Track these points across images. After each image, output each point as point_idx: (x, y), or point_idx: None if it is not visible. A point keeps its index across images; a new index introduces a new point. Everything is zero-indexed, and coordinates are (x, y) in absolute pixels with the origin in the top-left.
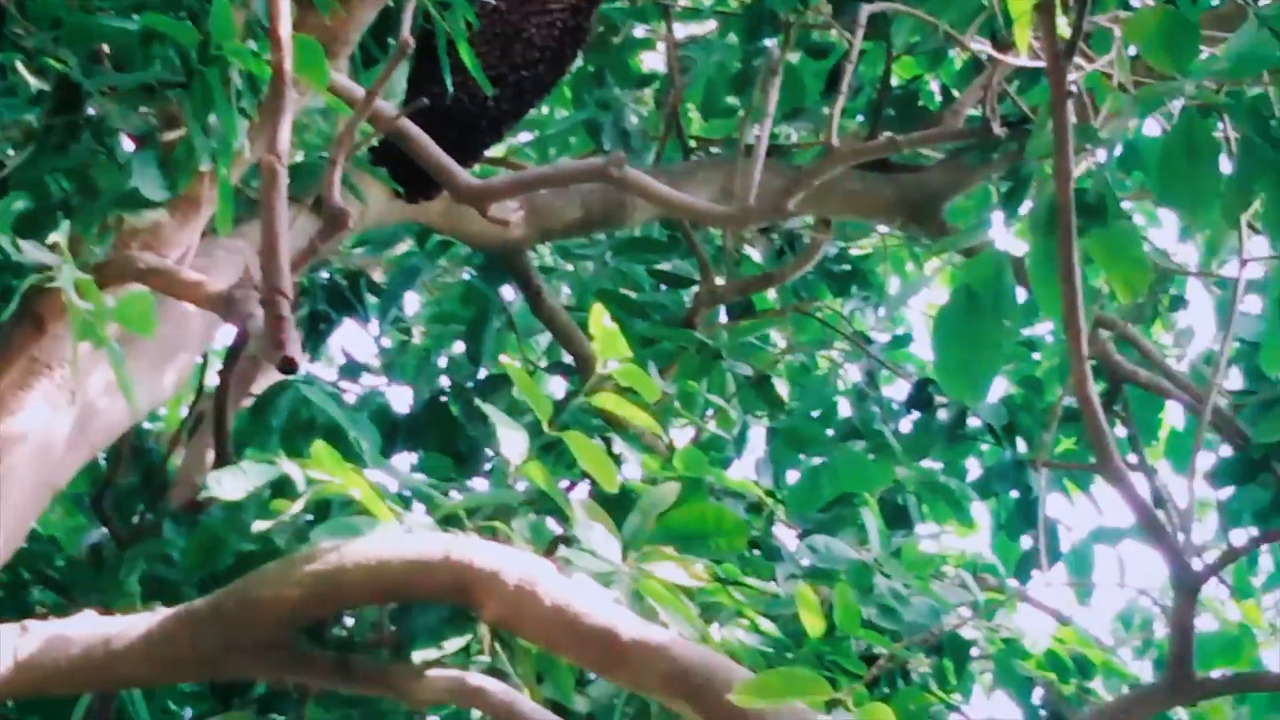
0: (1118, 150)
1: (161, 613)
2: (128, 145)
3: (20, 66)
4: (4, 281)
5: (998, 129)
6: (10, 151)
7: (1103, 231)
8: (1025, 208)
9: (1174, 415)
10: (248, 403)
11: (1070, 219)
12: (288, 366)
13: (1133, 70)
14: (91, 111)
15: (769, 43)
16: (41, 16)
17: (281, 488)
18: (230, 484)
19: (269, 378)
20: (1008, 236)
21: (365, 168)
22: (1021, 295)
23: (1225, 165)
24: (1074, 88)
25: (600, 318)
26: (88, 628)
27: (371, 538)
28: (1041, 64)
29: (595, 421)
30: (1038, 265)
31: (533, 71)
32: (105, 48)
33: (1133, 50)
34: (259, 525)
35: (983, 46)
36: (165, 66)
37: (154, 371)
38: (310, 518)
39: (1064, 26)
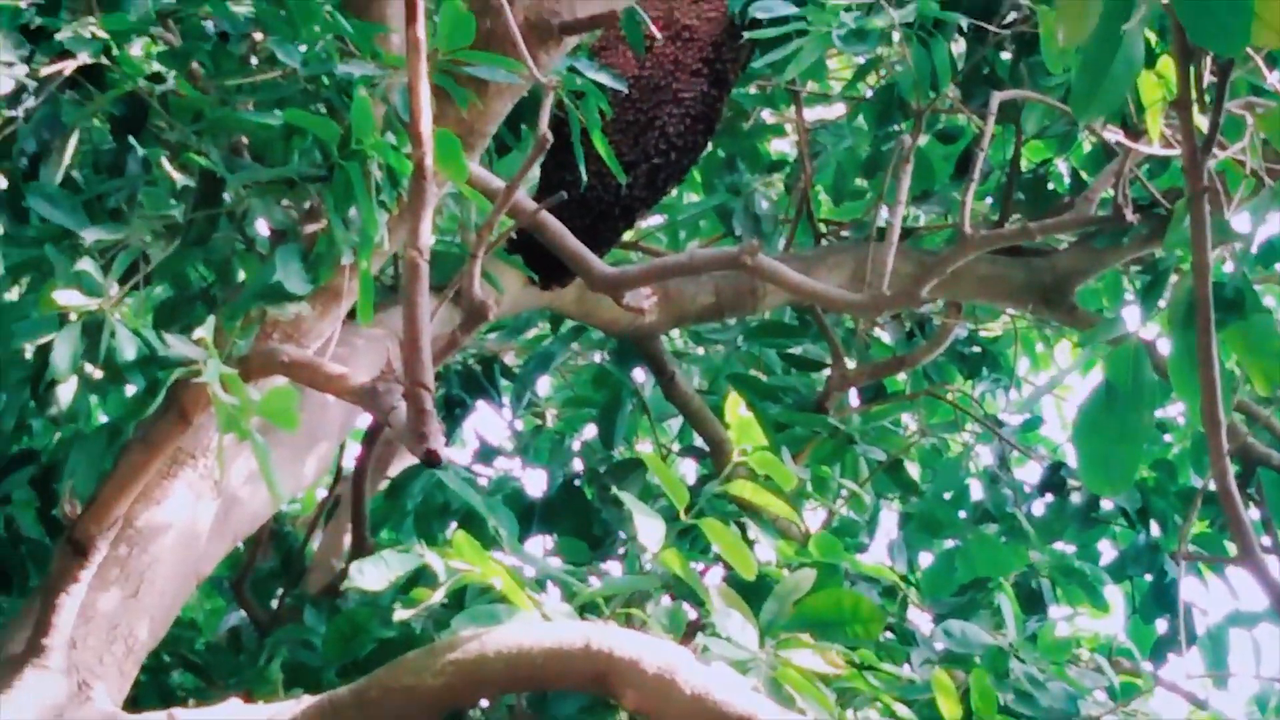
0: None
1: (305, 700)
2: (263, 229)
3: (164, 161)
4: (150, 374)
5: (1130, 215)
6: (149, 239)
7: (1241, 325)
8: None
9: None
10: (383, 485)
11: (1209, 314)
12: (431, 460)
13: (1264, 156)
14: (230, 199)
15: (899, 127)
16: (183, 111)
17: (420, 573)
18: (372, 574)
19: (404, 461)
20: (1145, 326)
21: (501, 256)
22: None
23: None
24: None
25: (736, 406)
26: (233, 716)
27: (512, 626)
28: (1173, 152)
29: (730, 507)
30: (1177, 359)
31: (665, 159)
32: (245, 140)
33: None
34: (401, 614)
35: (1114, 134)
36: (305, 160)
37: (295, 460)
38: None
39: (1199, 119)
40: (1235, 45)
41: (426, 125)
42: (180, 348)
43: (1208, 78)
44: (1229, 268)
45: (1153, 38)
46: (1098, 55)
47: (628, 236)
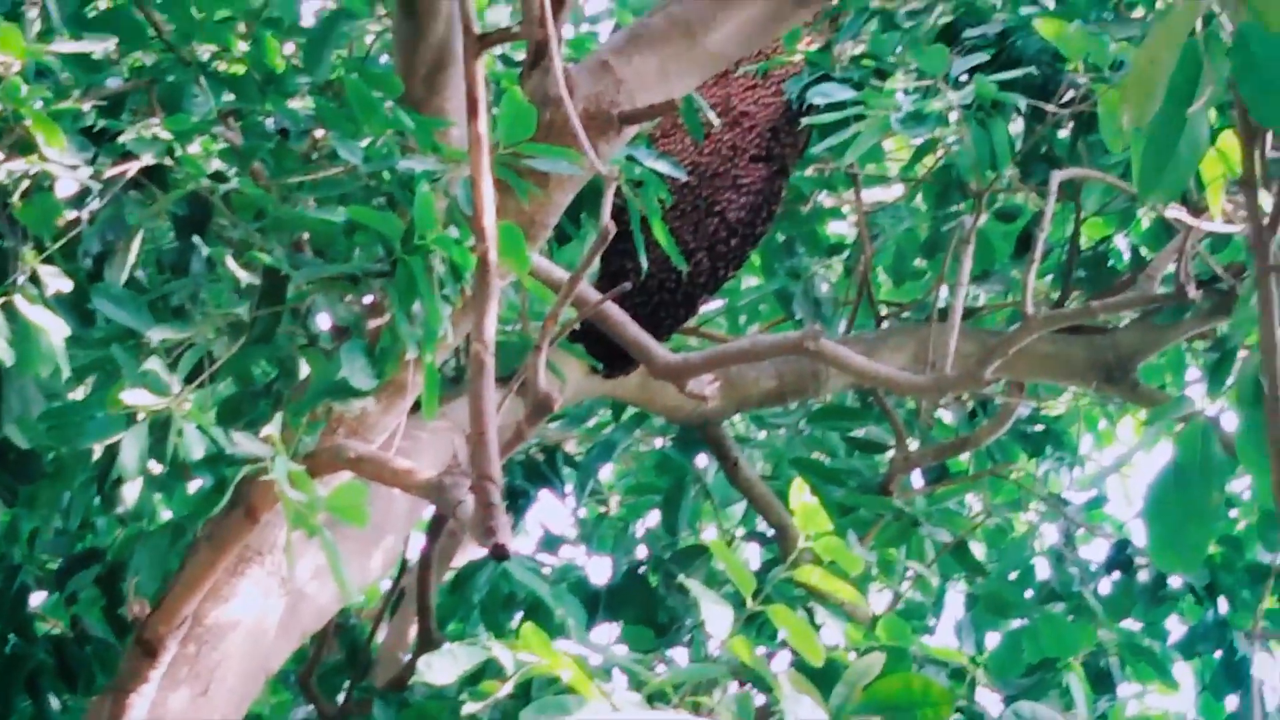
0: None
1: None
2: (327, 324)
3: (228, 259)
4: (217, 472)
5: (1192, 292)
6: (213, 337)
7: None
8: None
9: None
10: (448, 576)
11: (1278, 390)
12: (500, 554)
13: None
14: (293, 295)
15: (958, 207)
16: (246, 208)
17: (487, 665)
18: (441, 668)
19: (469, 552)
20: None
21: (564, 346)
22: None
23: None
24: (1276, 261)
25: (800, 491)
26: None
27: (581, 717)
28: (1235, 228)
29: (797, 592)
30: (1245, 437)
31: (726, 245)
32: (307, 236)
33: None
34: (469, 707)
35: (1176, 211)
36: (368, 255)
37: (362, 554)
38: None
39: (1264, 196)
40: None
41: (490, 219)
42: (247, 445)
43: (1271, 152)
44: None
45: (1213, 114)
46: (1163, 137)
47: (689, 321)
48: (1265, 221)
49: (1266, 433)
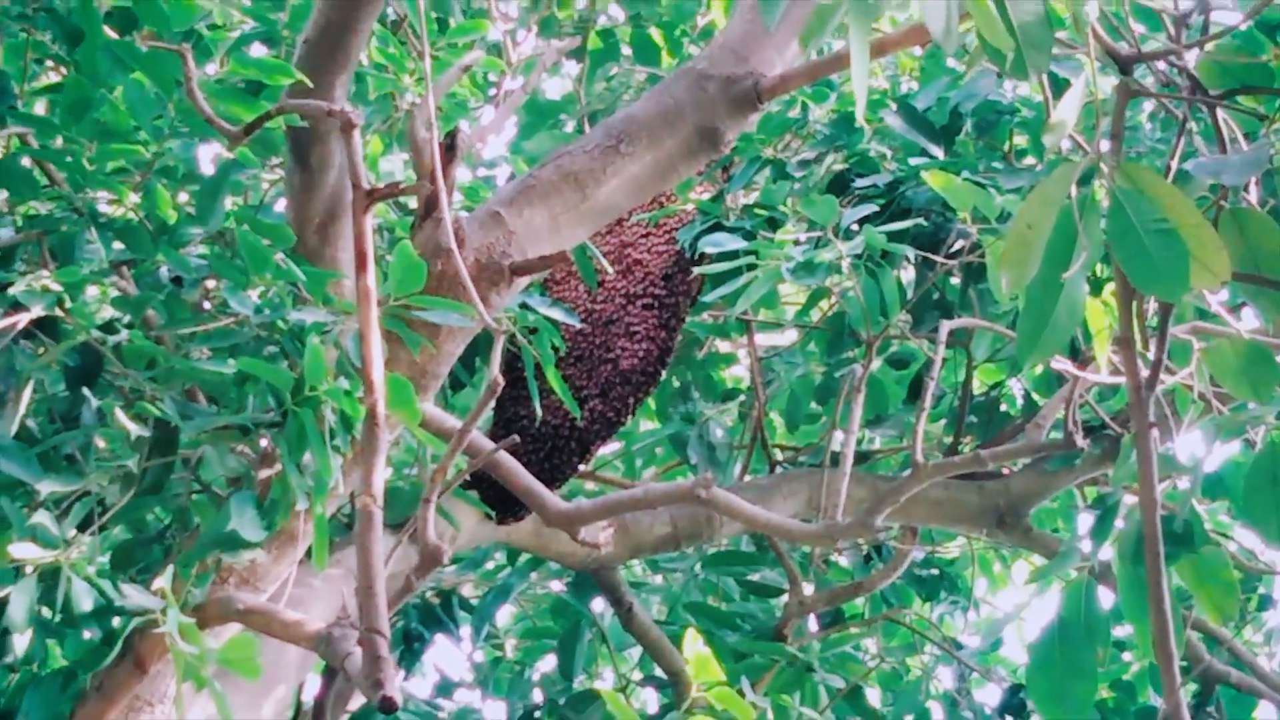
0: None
1: None
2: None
3: (119, 412)
4: (105, 624)
5: (1080, 441)
6: (105, 486)
7: (1191, 558)
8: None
9: (1266, 714)
10: None
11: (1159, 548)
12: (388, 706)
13: (1211, 380)
14: (184, 444)
15: (851, 354)
16: (137, 359)
17: None
18: None
19: (364, 697)
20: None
21: (457, 493)
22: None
23: None
24: (1154, 415)
25: (694, 642)
26: None
27: None
28: (1121, 380)
29: None
30: (1128, 592)
31: (620, 391)
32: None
33: None
34: None
35: (1063, 364)
36: (260, 405)
37: (253, 705)
38: None
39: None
40: (1176, 290)
41: (378, 372)
42: (137, 598)
43: (1152, 312)
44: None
45: (1099, 266)
46: (1041, 302)
47: (583, 466)
48: (1144, 380)
49: (1148, 590)
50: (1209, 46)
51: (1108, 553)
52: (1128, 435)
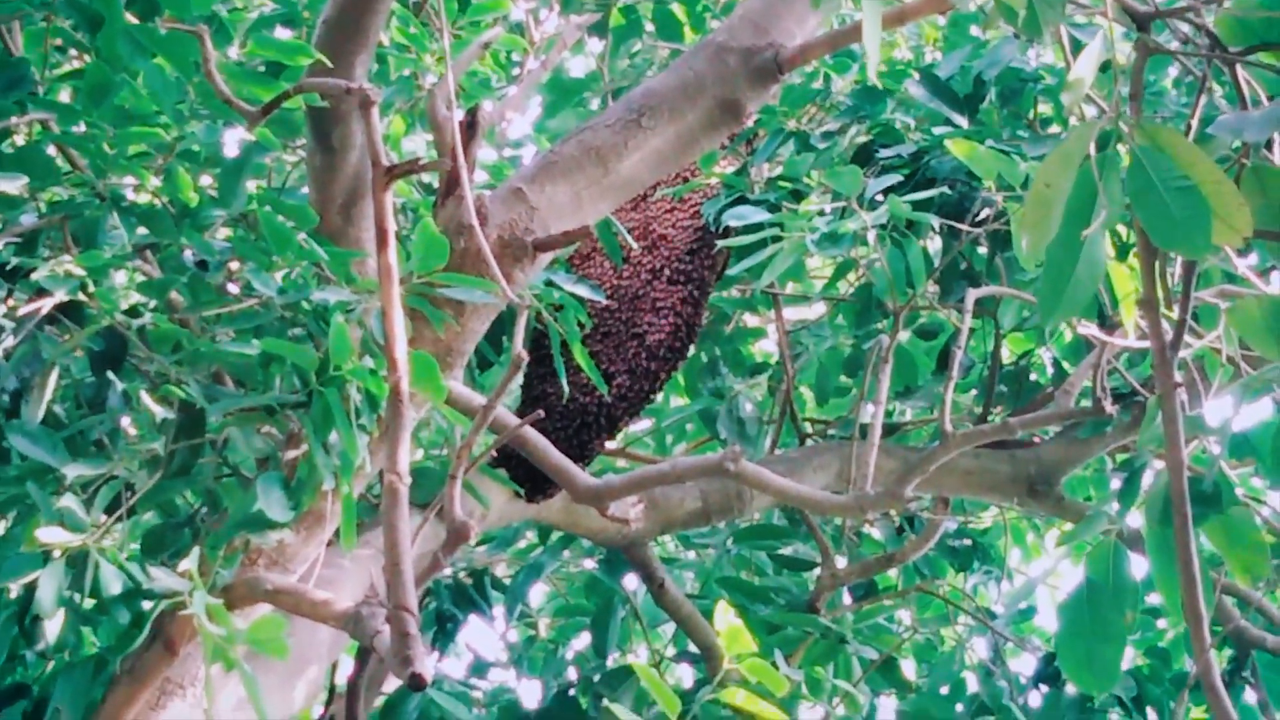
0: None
1: None
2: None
3: (145, 395)
4: (134, 607)
5: (1109, 407)
6: (133, 470)
7: (1220, 519)
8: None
9: None
10: (379, 701)
11: (1186, 509)
12: (417, 684)
13: (1240, 343)
14: (211, 426)
15: (879, 325)
16: (162, 342)
17: None
18: None
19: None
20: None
21: (486, 471)
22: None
23: None
24: (1181, 378)
25: (725, 614)
26: None
27: None
28: (1144, 345)
29: (724, 713)
30: (1156, 554)
31: (646, 367)
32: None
33: None
34: None
35: (1089, 329)
36: (285, 386)
37: (284, 686)
38: None
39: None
40: (1198, 247)
41: (402, 350)
42: (165, 580)
43: (1177, 276)
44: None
45: (1124, 231)
46: (1061, 262)
47: (614, 442)
48: (1168, 340)
49: (1177, 551)
50: (1227, 2)
51: (1138, 519)
52: (1154, 397)
